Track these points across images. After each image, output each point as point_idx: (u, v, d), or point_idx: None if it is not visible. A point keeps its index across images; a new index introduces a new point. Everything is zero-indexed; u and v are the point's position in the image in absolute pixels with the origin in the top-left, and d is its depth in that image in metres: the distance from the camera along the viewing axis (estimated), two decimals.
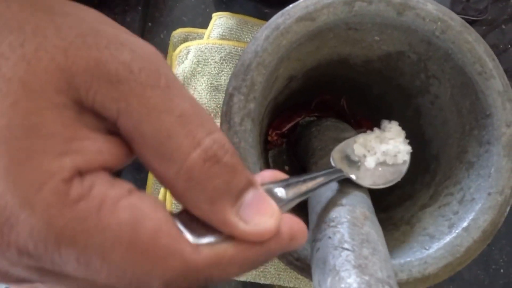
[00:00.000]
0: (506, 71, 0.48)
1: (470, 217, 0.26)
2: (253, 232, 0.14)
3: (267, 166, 0.38)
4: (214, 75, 0.40)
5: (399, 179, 0.27)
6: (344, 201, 0.23)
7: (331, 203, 0.23)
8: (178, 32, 0.42)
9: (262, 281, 0.39)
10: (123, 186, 0.13)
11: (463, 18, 0.47)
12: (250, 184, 0.15)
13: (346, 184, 0.25)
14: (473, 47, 0.26)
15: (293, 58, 0.28)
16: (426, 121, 0.32)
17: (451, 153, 0.29)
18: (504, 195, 0.26)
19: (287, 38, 0.25)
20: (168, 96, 0.13)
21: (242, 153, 0.24)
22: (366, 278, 0.17)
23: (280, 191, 0.17)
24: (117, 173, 0.37)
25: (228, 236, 0.14)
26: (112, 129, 0.13)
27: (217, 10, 0.43)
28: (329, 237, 0.20)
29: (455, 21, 0.26)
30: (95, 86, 0.12)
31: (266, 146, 0.38)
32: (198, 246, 0.13)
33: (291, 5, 0.26)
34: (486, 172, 0.26)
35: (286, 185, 0.17)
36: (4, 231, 0.11)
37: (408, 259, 0.25)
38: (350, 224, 0.20)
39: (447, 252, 0.25)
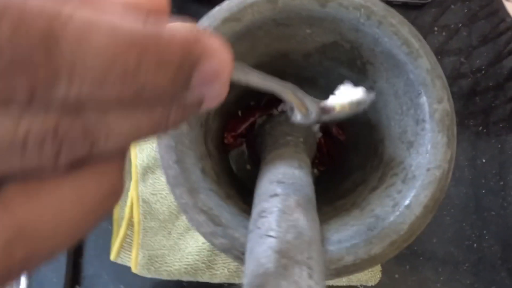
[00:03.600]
0: (460, 50, 0.49)
1: (412, 194, 0.26)
2: None
3: (228, 167, 0.39)
4: None
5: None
6: (279, 190, 0.23)
7: (266, 194, 0.23)
8: None
9: (236, 281, 0.40)
10: None
11: (414, 3, 0.48)
12: None
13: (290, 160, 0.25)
14: (398, 29, 0.27)
15: None
16: (370, 106, 0.32)
17: (394, 134, 0.30)
18: (442, 169, 0.26)
19: None
20: None
21: (179, 156, 0.25)
22: (284, 261, 0.17)
23: None
24: None
25: None
26: None
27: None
28: (258, 227, 0.21)
29: (378, 6, 0.27)
30: None
31: (224, 148, 0.38)
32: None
33: (215, 8, 0.26)
34: (423, 149, 0.27)
35: None
36: None
37: (354, 242, 0.26)
38: (280, 213, 0.21)
39: (391, 230, 0.26)
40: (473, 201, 0.46)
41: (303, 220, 0.21)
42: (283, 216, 0.21)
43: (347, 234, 0.27)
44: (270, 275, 0.17)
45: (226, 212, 0.25)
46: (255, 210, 0.23)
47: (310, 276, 0.17)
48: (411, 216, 0.26)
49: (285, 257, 0.18)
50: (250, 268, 0.18)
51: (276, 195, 0.23)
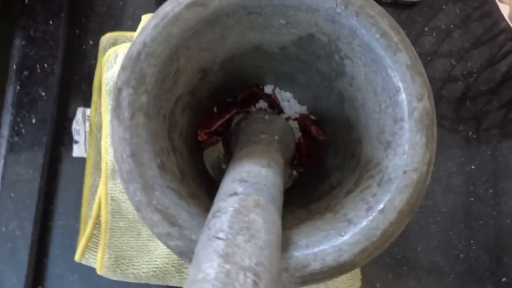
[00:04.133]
0: (451, 52, 0.48)
1: (386, 198, 0.24)
2: None
3: (200, 166, 0.37)
4: None
5: None
6: (239, 190, 0.22)
7: (226, 193, 0.22)
8: (107, 37, 0.41)
9: None
10: None
11: (404, 2, 0.47)
12: None
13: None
14: (377, 21, 0.25)
15: (194, 47, 0.26)
16: (348, 105, 0.31)
17: (372, 134, 0.28)
18: (420, 172, 0.24)
19: (178, 26, 0.24)
20: None
21: (134, 149, 0.23)
22: (228, 266, 0.15)
23: None
24: (48, 186, 0.35)
25: None
26: None
27: (147, 11, 0.42)
28: (209, 228, 0.19)
29: None
30: None
31: (198, 145, 0.36)
32: None
33: None
34: (401, 150, 0.25)
35: None
36: None
37: (322, 247, 0.24)
38: (235, 213, 0.19)
39: (363, 236, 0.24)
40: (461, 209, 0.44)
41: (260, 221, 0.19)
42: (238, 216, 0.19)
43: (316, 239, 0.25)
44: (208, 282, 0.15)
45: (184, 212, 0.23)
46: (211, 210, 0.21)
47: (255, 284, 0.15)
48: (385, 222, 0.24)
49: (230, 262, 0.16)
50: (191, 273, 0.16)
51: (235, 194, 0.21)
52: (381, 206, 0.24)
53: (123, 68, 0.24)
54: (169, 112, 0.27)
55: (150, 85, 0.24)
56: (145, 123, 0.23)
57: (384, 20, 0.25)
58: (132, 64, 0.23)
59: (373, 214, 0.24)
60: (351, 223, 0.25)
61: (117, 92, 0.23)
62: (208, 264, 0.16)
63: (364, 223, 0.24)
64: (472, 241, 0.43)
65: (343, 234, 0.24)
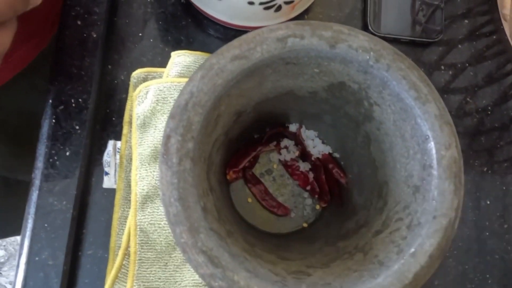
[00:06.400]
0: (466, 89, 0.49)
1: (417, 242, 0.26)
2: None
3: (229, 200, 0.38)
4: None
5: None
6: None
7: None
8: (137, 73, 0.43)
9: None
10: None
11: (421, 41, 0.48)
12: None
13: None
14: (407, 74, 0.27)
15: (234, 95, 0.28)
16: (375, 147, 0.32)
17: (400, 177, 0.30)
18: (449, 218, 0.26)
19: (223, 77, 0.26)
20: None
21: (181, 193, 0.24)
22: None
23: None
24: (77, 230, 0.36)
25: None
26: None
27: (176, 48, 0.44)
28: None
29: (387, 49, 0.27)
30: None
31: (226, 180, 0.38)
32: None
33: (225, 45, 0.26)
34: (430, 195, 0.27)
35: None
36: None
37: None
38: None
39: (396, 279, 0.25)
40: (476, 243, 0.45)
41: None
42: None
43: (349, 281, 0.26)
44: None
45: (226, 253, 0.25)
46: None
47: None
48: (416, 265, 0.25)
49: None
50: None
51: None
52: (412, 250, 0.26)
53: (171, 116, 0.25)
54: (208, 154, 0.29)
55: (196, 131, 0.25)
56: (191, 167, 0.25)
57: (414, 73, 0.27)
58: (180, 112, 0.25)
59: (405, 258, 0.25)
60: (383, 265, 0.26)
61: (166, 139, 0.25)
62: None
63: (396, 266, 0.25)
64: (487, 275, 0.44)
65: (376, 276, 0.25)
